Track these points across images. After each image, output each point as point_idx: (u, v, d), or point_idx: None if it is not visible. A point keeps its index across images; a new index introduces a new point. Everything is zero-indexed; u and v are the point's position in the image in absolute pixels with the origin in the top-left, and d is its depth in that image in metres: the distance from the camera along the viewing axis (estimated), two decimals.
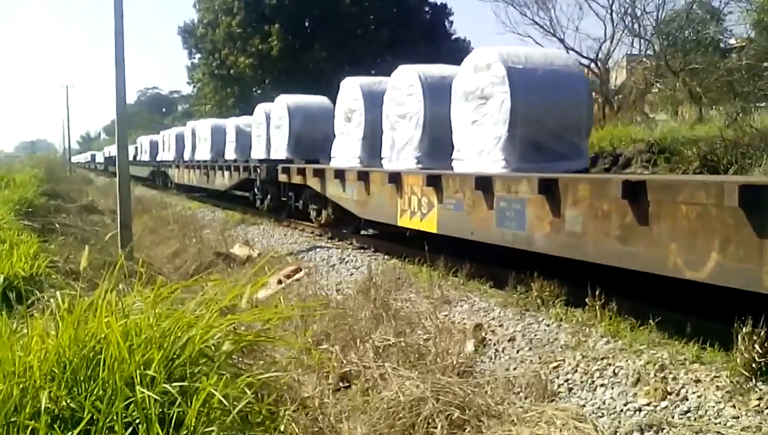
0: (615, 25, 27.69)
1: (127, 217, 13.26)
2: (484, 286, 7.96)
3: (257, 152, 18.54)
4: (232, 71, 39.42)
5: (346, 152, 12.90)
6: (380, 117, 11.63)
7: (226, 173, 20.09)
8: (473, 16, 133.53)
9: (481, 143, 9.03)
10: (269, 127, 17.70)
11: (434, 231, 8.80)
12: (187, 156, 26.60)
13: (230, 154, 21.32)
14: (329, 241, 12.70)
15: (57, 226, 13.13)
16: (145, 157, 38.24)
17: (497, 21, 65.54)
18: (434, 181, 8.66)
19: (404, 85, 10.94)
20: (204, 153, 24.04)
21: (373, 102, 12.18)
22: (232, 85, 40.43)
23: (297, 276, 9.56)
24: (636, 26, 27.05)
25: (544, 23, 28.41)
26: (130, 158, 40.14)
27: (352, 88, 12.95)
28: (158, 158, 33.20)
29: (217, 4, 39.86)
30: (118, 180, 13.86)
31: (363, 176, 10.79)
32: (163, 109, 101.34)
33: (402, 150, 10.87)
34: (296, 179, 13.92)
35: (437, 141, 10.28)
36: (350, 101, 12.89)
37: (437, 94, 10.35)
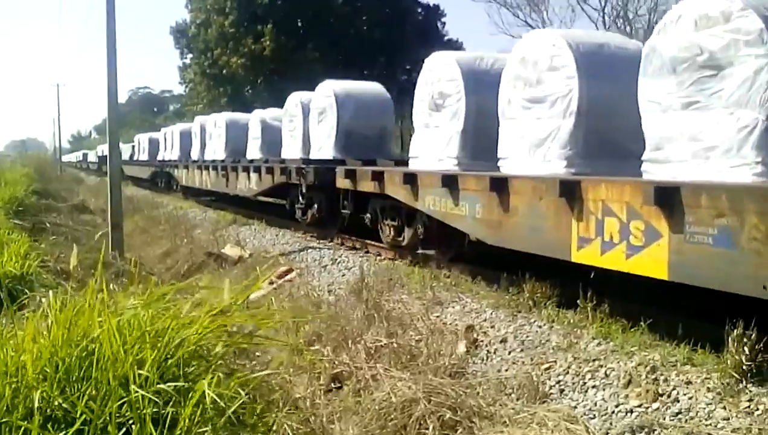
0: (607, 27, 27.90)
1: (118, 216, 13.22)
2: (476, 288, 7.97)
3: (291, 150, 15.59)
4: (224, 71, 39.33)
5: (433, 151, 9.85)
6: (488, 103, 8.73)
7: (253, 176, 16.03)
8: (466, 17, 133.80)
9: (713, 136, 5.83)
10: (307, 120, 14.79)
11: (664, 277, 5.44)
12: (195, 155, 23.47)
13: (254, 152, 18.25)
14: (320, 241, 12.69)
15: (48, 225, 13.10)
16: (144, 157, 35.46)
17: (490, 22, 65.87)
18: (666, 197, 5.32)
19: (541, 56, 7.85)
20: (216, 151, 21.06)
21: (477, 83, 9.40)
22: (225, 85, 40.35)
23: (289, 277, 9.55)
24: (628, 29, 27.20)
25: (537, 25, 28.61)
26: (126, 157, 38.05)
27: (444, 65, 9.89)
28: (160, 158, 30.01)
29: (210, 4, 39.77)
30: (109, 180, 13.82)
31: (497, 185, 7.35)
32: (155, 109, 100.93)
33: (539, 147, 7.77)
34: (366, 186, 10.43)
35: (597, 133, 7.39)
36: (441, 83, 9.80)
37: (596, 69, 7.45)
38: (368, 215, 11.01)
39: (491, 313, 6.87)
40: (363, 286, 7.95)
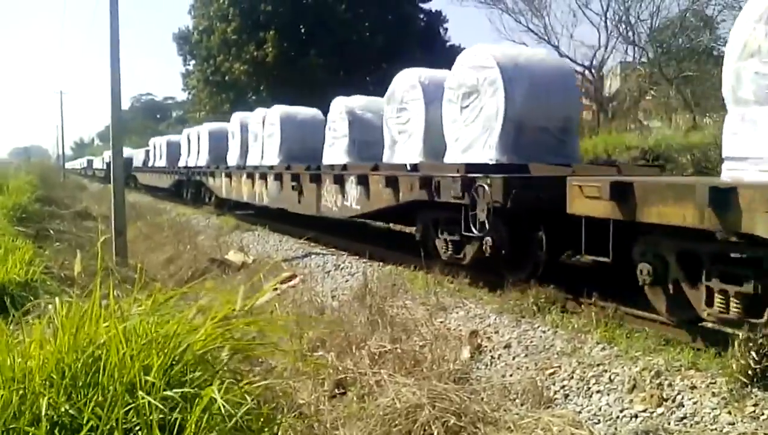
0: (609, 32, 27.89)
1: (122, 223, 13.25)
2: (479, 293, 7.97)
3: (406, 152, 10.97)
4: (227, 78, 39.38)
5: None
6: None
7: (354, 190, 10.96)
8: (468, 23, 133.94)
9: None
10: (428, 106, 10.49)
11: None
12: (233, 160, 19.77)
13: (335, 155, 13.44)
14: (324, 247, 12.69)
15: (51, 232, 13.12)
16: (161, 163, 31.43)
17: (492, 28, 65.80)
18: None
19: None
20: (268, 155, 16.84)
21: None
22: (227, 91, 40.39)
23: (293, 282, 9.56)
24: (630, 34, 27.22)
25: (539, 30, 28.62)
26: (139, 164, 37.07)
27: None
28: (182, 163, 25.98)
29: (212, 11, 39.86)
30: (112, 187, 13.88)
31: None
32: (158, 116, 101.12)
33: None
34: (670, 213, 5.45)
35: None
36: None
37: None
38: (646, 268, 5.89)
39: (495, 319, 6.87)
40: (367, 292, 7.95)
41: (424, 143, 10.55)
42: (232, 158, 19.89)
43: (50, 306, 3.63)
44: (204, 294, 4.57)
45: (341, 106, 13.46)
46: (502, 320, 6.79)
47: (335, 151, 13.50)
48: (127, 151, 41.17)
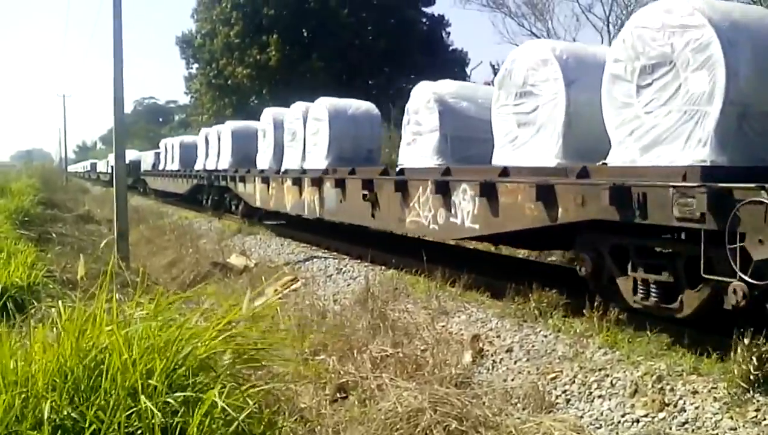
0: (612, 36, 27.87)
1: (124, 226, 13.25)
2: (481, 297, 7.97)
3: (535, 152, 7.99)
4: (229, 81, 39.47)
5: None
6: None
7: (475, 202, 8.12)
8: (470, 26, 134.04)
9: None
10: (569, 87, 7.62)
11: None
12: (264, 163, 16.77)
13: (416, 157, 10.58)
14: (326, 251, 12.70)
15: (53, 235, 13.12)
16: (174, 166, 28.55)
17: (495, 31, 65.85)
18: None
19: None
20: (312, 158, 13.92)
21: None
22: (230, 95, 40.47)
23: (294, 286, 9.56)
24: None
25: (542, 34, 28.64)
26: (148, 167, 35.27)
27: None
28: (201, 166, 23.12)
29: (215, 15, 39.96)
30: (115, 190, 13.88)
31: None
32: (160, 119, 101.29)
33: None
34: None
35: None
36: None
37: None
38: None
39: (497, 323, 6.87)
40: (368, 296, 7.96)
41: (563, 138, 7.61)
42: (263, 160, 16.87)
43: (53, 310, 3.64)
44: (206, 298, 4.58)
45: (427, 93, 10.49)
46: (504, 324, 6.79)
47: (417, 151, 10.58)
48: (134, 154, 39.63)
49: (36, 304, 5.05)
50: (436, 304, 7.59)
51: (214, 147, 21.69)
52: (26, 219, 14.17)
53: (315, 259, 11.75)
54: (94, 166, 69.72)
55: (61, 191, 33.89)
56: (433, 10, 42.87)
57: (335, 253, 12.32)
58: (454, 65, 38.78)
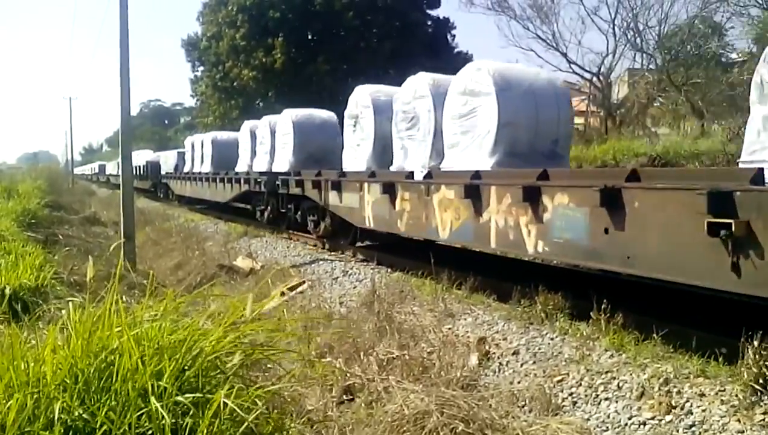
0: (617, 39, 27.90)
1: (131, 228, 13.31)
2: (487, 300, 7.97)
3: None
4: (235, 84, 39.57)
5: None
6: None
7: None
8: (475, 29, 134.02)
9: None
10: None
11: None
12: (354, 162, 12.68)
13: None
14: (332, 253, 12.72)
15: (60, 237, 13.17)
16: (205, 167, 24.17)
17: (500, 35, 66.03)
18: None
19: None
20: (476, 155, 9.05)
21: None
22: (236, 97, 40.57)
23: (300, 288, 9.58)
24: (638, 40, 27.21)
25: (547, 37, 28.65)
26: (169, 169, 30.88)
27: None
28: (245, 168, 19.24)
29: (221, 18, 40.06)
30: (121, 192, 13.94)
31: None
32: (166, 121, 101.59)
33: None
34: None
35: None
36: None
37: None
38: None
39: (503, 325, 6.88)
40: (374, 298, 7.97)
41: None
42: (354, 160, 12.75)
43: (63, 311, 3.66)
44: (213, 300, 4.60)
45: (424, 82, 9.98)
46: (510, 327, 6.80)
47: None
48: (149, 155, 38.39)
49: (44, 305, 5.06)
50: (442, 306, 7.60)
51: (264, 144, 17.77)
52: (33, 221, 14.22)
53: (321, 262, 11.77)
54: (102, 168, 67.39)
55: (67, 193, 34.01)
56: (439, 12, 43.01)
57: (341, 256, 12.34)
58: (459, 68, 38.68)
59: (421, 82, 10.58)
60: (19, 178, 31.82)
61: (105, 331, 3.18)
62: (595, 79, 28.08)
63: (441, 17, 42.75)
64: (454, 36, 43.25)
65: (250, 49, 38.44)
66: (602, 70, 27.98)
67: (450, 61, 39.08)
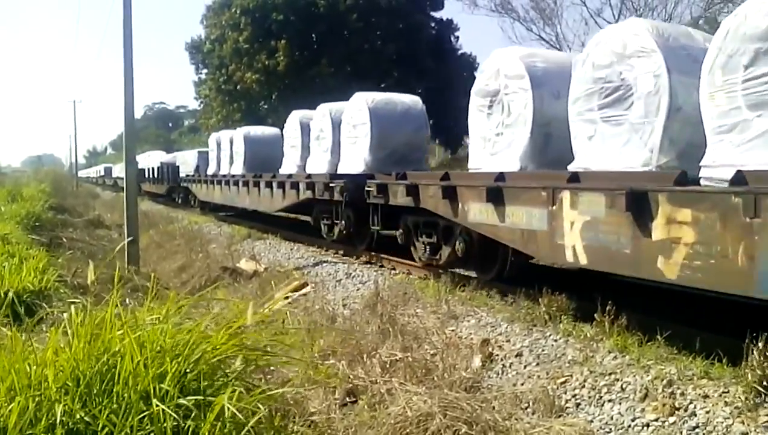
0: None
1: (134, 231, 13.33)
2: (491, 302, 7.96)
3: None
4: (239, 86, 39.60)
5: None
6: None
7: None
8: (479, 31, 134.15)
9: None
10: None
11: None
12: (489, 160, 9.22)
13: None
14: (335, 255, 12.71)
15: (64, 240, 13.22)
16: (236, 169, 20.69)
17: (503, 36, 66.03)
18: None
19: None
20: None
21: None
22: (239, 100, 40.60)
23: (304, 291, 9.58)
24: None
25: (550, 39, 28.62)
26: (190, 171, 27.24)
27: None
28: (294, 169, 16.20)
29: (225, 20, 40.11)
30: (125, 194, 13.97)
31: None
32: (170, 124, 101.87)
33: None
34: None
35: None
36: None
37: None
38: None
39: (506, 327, 6.87)
40: (378, 300, 7.96)
41: None
42: (490, 157, 9.20)
43: (65, 314, 3.67)
44: (216, 303, 4.61)
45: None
46: (514, 329, 6.79)
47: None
48: (165, 156, 36.02)
49: (48, 308, 5.08)
50: (445, 308, 7.59)
51: (325, 138, 14.46)
52: (37, 224, 14.29)
53: (324, 264, 11.77)
54: (109, 170, 64.24)
55: (71, 196, 34.09)
56: (442, 14, 42.90)
57: (345, 258, 12.33)
58: (463, 69, 38.80)
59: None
60: (23, 181, 31.94)
61: (107, 333, 3.19)
62: None
63: (444, 19, 42.76)
64: (458, 38, 43.24)
65: (253, 51, 38.48)
66: None
67: (453, 63, 39.16)
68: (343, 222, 12.54)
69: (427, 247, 9.83)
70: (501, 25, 43.79)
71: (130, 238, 12.81)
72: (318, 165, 14.61)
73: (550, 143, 8.35)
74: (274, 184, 15.79)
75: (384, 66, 37.84)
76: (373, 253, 11.83)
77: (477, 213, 8.16)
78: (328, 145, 14.25)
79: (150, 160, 37.73)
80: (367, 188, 11.08)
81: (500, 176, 7.91)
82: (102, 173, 69.00)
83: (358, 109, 12.82)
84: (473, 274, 9.21)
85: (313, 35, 38.60)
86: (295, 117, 16.60)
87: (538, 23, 29.88)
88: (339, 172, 13.22)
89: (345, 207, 12.28)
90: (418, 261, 10.25)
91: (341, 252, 12.87)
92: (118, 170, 49.99)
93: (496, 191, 7.69)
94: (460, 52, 42.34)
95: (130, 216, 13.47)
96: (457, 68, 38.57)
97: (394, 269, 10.57)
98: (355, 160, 12.77)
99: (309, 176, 14.05)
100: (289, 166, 16.67)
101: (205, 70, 45.21)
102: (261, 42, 38.21)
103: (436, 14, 42.51)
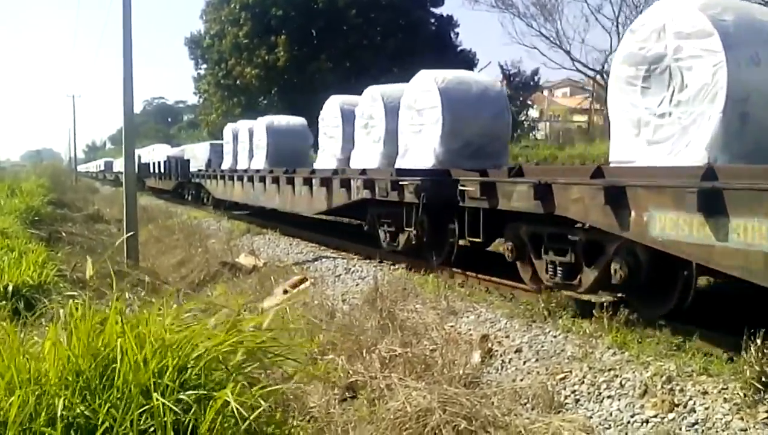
0: (621, 37, 27.85)
1: (134, 226, 13.33)
2: (490, 297, 7.96)
3: None
4: (238, 82, 39.60)
5: None
6: None
7: None
8: (479, 27, 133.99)
9: None
10: None
11: None
12: (631, 150, 6.86)
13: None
14: (334, 251, 12.70)
15: (63, 234, 13.19)
16: (258, 163, 18.47)
17: (504, 32, 65.98)
18: None
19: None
20: None
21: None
22: (239, 95, 40.61)
23: (303, 286, 9.57)
24: None
25: (551, 35, 28.60)
26: (202, 166, 24.87)
27: None
28: (334, 163, 13.94)
29: (224, 15, 40.10)
30: (124, 189, 13.97)
31: None
32: (169, 119, 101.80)
33: None
34: None
35: None
36: None
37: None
38: None
39: (506, 323, 6.87)
40: (377, 296, 7.95)
41: None
42: (647, 147, 6.76)
43: (64, 309, 3.66)
44: (216, 296, 4.61)
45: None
46: (513, 324, 6.79)
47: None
48: (171, 150, 34.01)
49: (47, 302, 5.07)
50: (444, 303, 7.59)
51: (375, 127, 12.28)
52: (37, 218, 14.27)
53: (324, 259, 11.76)
54: (109, 165, 62.62)
55: (70, 191, 34.04)
56: (442, 10, 42.98)
57: (344, 253, 12.32)
58: (463, 65, 38.74)
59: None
60: (23, 175, 31.90)
61: (107, 329, 3.18)
62: (598, 76, 28.05)
63: (444, 15, 42.77)
64: (458, 34, 43.23)
65: (252, 46, 38.47)
66: (605, 67, 27.95)
67: (453, 59, 39.12)
68: (415, 229, 9.94)
69: (558, 267, 7.28)
70: (501, 20, 43.75)
71: (129, 233, 12.80)
72: (366, 158, 12.27)
73: (747, 126, 6.02)
74: (315, 182, 13.07)
75: (384, 62, 37.82)
76: (455, 270, 9.24)
77: (669, 226, 5.61)
78: (380, 134, 11.99)
79: (155, 154, 35.66)
80: (461, 187, 8.61)
81: (710, 173, 5.47)
82: (102, 168, 68.47)
83: (424, 90, 10.50)
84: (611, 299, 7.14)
85: (313, 31, 38.60)
86: (335, 102, 14.23)
87: (538, 19, 29.92)
88: (397, 166, 10.87)
89: (421, 211, 9.62)
90: (531, 284, 7.83)
91: (342, 249, 12.81)
92: (119, 165, 47.42)
93: (713, 195, 5.17)
94: (460, 48, 42.33)
95: (129, 211, 13.47)
96: (457, 64, 38.52)
97: (393, 265, 10.51)
98: (421, 152, 10.47)
99: (364, 172, 11.29)
100: (326, 159, 14.31)
101: (204, 65, 45.26)
102: (260, 37, 38.21)
103: (436, 10, 42.56)
